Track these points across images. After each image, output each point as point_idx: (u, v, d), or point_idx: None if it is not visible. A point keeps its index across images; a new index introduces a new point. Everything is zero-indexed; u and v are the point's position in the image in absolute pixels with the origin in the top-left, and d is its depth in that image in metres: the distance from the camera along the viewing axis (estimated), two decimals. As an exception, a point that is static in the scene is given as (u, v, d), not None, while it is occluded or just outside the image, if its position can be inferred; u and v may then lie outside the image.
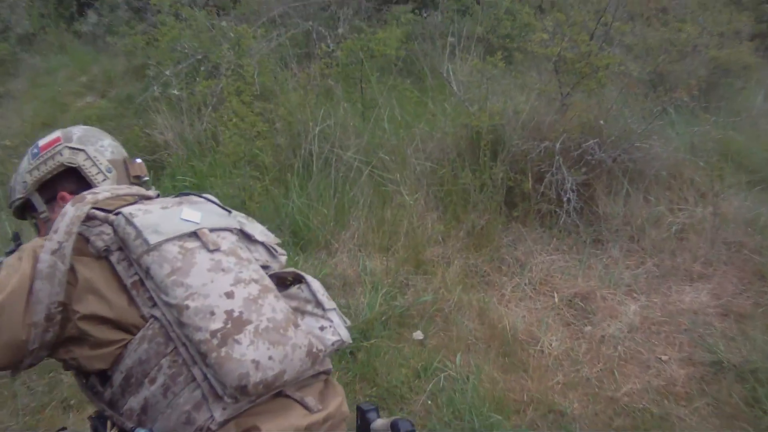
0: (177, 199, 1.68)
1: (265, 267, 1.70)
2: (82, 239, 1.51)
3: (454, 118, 5.07)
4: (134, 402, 1.45)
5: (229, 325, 1.43)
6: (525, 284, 4.09)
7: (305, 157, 4.81)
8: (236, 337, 1.42)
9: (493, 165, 4.50)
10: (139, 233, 1.47)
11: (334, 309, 1.69)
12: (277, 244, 1.84)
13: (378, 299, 3.71)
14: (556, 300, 3.98)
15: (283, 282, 1.74)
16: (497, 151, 4.64)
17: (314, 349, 1.55)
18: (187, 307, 1.42)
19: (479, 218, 4.39)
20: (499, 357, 3.52)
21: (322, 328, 1.64)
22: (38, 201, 1.76)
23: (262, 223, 4.12)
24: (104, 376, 1.50)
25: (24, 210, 1.84)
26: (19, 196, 1.78)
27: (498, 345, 3.60)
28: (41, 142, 1.79)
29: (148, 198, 1.70)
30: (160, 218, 1.54)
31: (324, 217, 4.39)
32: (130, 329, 1.47)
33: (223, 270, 1.52)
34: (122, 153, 1.85)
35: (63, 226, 1.47)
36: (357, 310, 3.70)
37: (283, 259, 1.83)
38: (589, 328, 3.79)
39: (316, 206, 4.44)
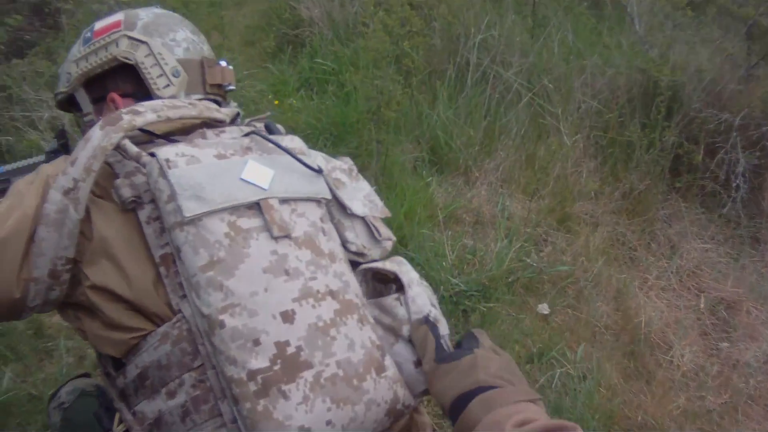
0: (245, 140, 1.25)
1: (359, 254, 1.34)
2: (110, 175, 1.16)
3: (630, 58, 4.51)
4: (147, 408, 1.11)
5: (277, 367, 1.03)
6: (672, 272, 3.61)
7: (461, 66, 4.36)
8: (284, 387, 1.03)
9: (666, 125, 3.99)
10: (173, 194, 1.07)
11: (446, 336, 1.26)
12: (386, 220, 1.44)
13: (510, 253, 3.30)
14: (702, 304, 3.50)
15: (384, 280, 1.35)
16: (672, 111, 4.12)
17: (399, 406, 1.17)
18: (222, 324, 1.03)
19: (639, 181, 3.93)
20: (625, 357, 3.10)
21: (418, 364, 1.23)
22: (84, 99, 1.40)
23: (399, 133, 3.83)
24: (119, 362, 1.16)
25: (70, 105, 1.47)
26: (62, 89, 1.42)
27: (627, 341, 3.17)
28: (97, 25, 1.39)
29: (217, 124, 1.31)
30: (210, 173, 1.12)
31: (469, 139, 3.99)
32: (152, 318, 1.11)
33: (287, 273, 1.11)
34: (201, 51, 1.43)
35: (83, 159, 1.09)
36: (483, 259, 3.31)
37: (389, 244, 1.43)
38: (725, 345, 3.32)
39: (462, 125, 4.05)
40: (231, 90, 1.48)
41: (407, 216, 3.41)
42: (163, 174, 1.08)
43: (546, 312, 3.19)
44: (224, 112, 1.33)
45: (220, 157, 1.16)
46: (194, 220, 1.07)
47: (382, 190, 3.59)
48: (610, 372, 2.95)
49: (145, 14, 1.40)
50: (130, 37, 1.34)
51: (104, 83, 1.37)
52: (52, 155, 1.44)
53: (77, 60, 1.37)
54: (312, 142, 3.87)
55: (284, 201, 1.19)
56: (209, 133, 1.27)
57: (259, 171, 1.18)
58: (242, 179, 1.14)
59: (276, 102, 4.07)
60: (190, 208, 1.07)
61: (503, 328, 3.05)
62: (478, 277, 3.17)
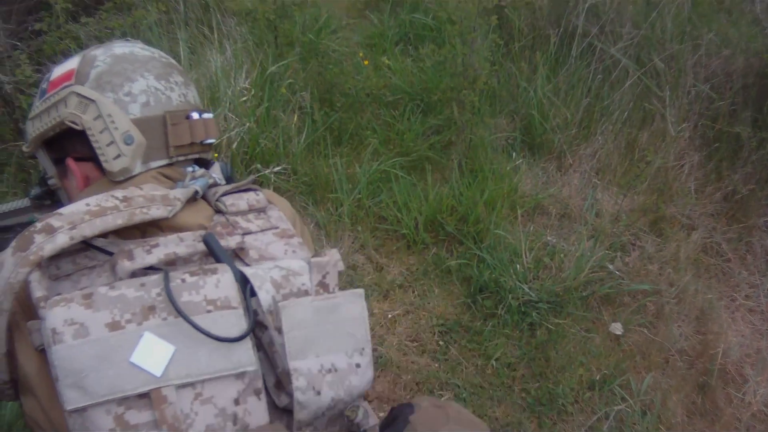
0: (152, 293, 0.98)
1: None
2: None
3: (749, 39, 4.11)
4: None
5: None
6: (763, 292, 3.32)
7: (566, 35, 4.08)
8: None
9: (782, 124, 3.66)
10: (56, 377, 0.93)
11: None
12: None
13: (591, 259, 3.08)
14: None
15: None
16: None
17: None
18: None
19: (743, 182, 3.64)
20: (695, 390, 2.87)
21: None
22: (45, 160, 1.23)
23: (492, 109, 3.64)
24: None
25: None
26: (24, 147, 1.26)
27: (700, 370, 2.94)
28: (54, 73, 1.20)
29: (160, 226, 1.09)
30: (97, 353, 0.94)
31: (565, 121, 3.78)
32: None
33: None
34: (166, 102, 1.16)
35: None
36: (561, 264, 3.12)
37: None
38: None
39: (560, 104, 3.82)
40: (210, 144, 1.22)
41: (487, 205, 3.29)
42: (49, 345, 0.94)
43: (619, 332, 3.00)
44: (173, 198, 1.09)
45: (113, 327, 0.96)
46: (78, 410, 0.94)
47: (464, 173, 3.47)
48: (674, 407, 2.77)
49: (103, 58, 1.17)
50: (78, 95, 1.13)
51: (62, 144, 1.20)
52: (36, 201, 1.36)
53: (33, 118, 1.21)
54: (399, 109, 3.74)
55: (185, 386, 0.98)
56: (138, 252, 1.03)
57: (155, 349, 0.97)
58: (132, 362, 0.95)
59: (366, 62, 3.93)
60: (72, 399, 0.93)
61: (569, 348, 2.90)
62: (552, 286, 3.01)
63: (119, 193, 1.05)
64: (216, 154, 3.23)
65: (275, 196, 1.28)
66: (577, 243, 3.23)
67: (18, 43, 3.54)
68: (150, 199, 1.06)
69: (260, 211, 1.20)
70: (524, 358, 2.86)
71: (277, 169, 3.37)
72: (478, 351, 2.90)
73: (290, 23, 3.98)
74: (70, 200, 1.18)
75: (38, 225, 0.98)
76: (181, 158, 1.18)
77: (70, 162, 1.17)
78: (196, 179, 1.17)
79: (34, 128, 1.20)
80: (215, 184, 1.21)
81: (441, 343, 2.93)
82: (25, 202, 1.42)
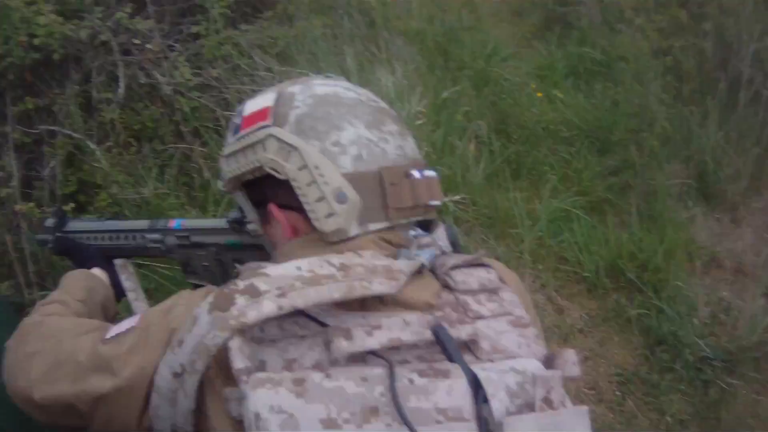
0: (375, 392, 0.86)
1: None
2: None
3: None
4: None
5: None
6: None
7: (733, 79, 4.05)
8: None
9: None
10: None
11: None
12: None
13: (765, 320, 3.01)
14: None
15: None
16: None
17: None
18: None
19: None
20: None
21: None
22: (244, 202, 1.13)
23: (667, 152, 3.59)
24: None
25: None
26: (220, 186, 1.15)
27: None
28: (247, 107, 1.08)
29: (386, 302, 0.95)
30: None
31: (737, 172, 3.75)
32: None
33: None
34: (381, 156, 1.00)
35: (188, 347, 0.89)
36: (736, 320, 3.07)
37: None
38: None
39: (730, 152, 3.78)
40: (434, 206, 1.06)
41: (666, 256, 3.27)
42: (251, 431, 0.83)
43: (788, 398, 2.98)
44: (397, 270, 0.95)
45: (328, 424, 0.84)
46: None
47: (642, 219, 3.46)
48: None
49: (303, 98, 1.03)
50: (279, 139, 1.00)
51: (263, 189, 1.08)
52: (235, 225, 1.32)
53: (227, 157, 1.10)
54: (576, 146, 3.74)
55: None
56: (358, 333, 0.91)
57: None
58: None
59: (539, 94, 3.93)
60: None
61: (740, 409, 2.84)
62: (726, 343, 2.98)
63: (335, 259, 0.93)
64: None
65: (506, 271, 1.13)
66: (752, 301, 3.20)
67: (174, 45, 3.56)
68: (371, 270, 0.93)
69: (493, 292, 1.05)
70: (697, 416, 2.84)
71: (456, 198, 3.40)
72: (654, 405, 2.89)
73: (459, 47, 3.99)
74: (275, 248, 1.12)
75: (240, 284, 0.88)
76: (403, 221, 1.03)
77: (274, 209, 1.06)
78: (423, 249, 1.03)
79: (230, 168, 1.09)
80: (441, 253, 1.08)
81: (618, 393, 2.93)
82: (223, 223, 1.39)
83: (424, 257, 1.00)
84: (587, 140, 3.72)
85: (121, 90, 3.24)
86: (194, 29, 3.58)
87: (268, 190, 1.06)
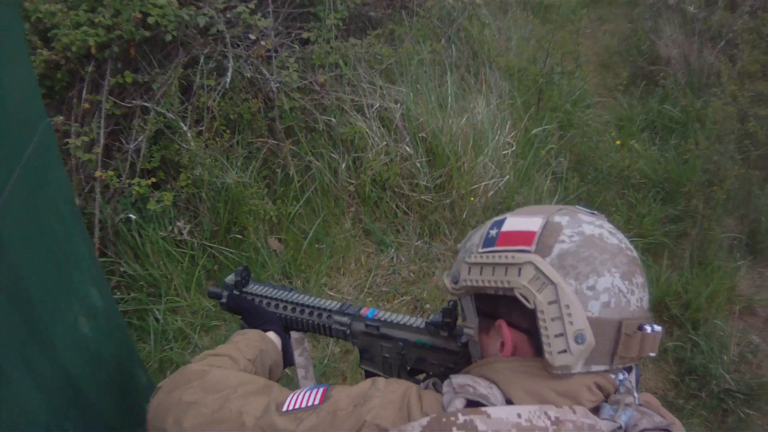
0: None
1: None
2: None
3: None
4: None
5: None
6: None
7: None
8: None
9: None
10: None
11: None
12: None
13: None
14: None
15: None
16: None
17: None
18: None
19: None
20: None
21: None
22: (470, 309, 1.14)
23: (726, 208, 3.88)
24: None
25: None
26: (449, 285, 1.14)
27: None
28: (507, 225, 1.09)
29: None
30: None
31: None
32: None
33: None
34: (625, 307, 1.00)
35: None
36: (761, 362, 3.39)
37: None
38: None
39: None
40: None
41: (708, 299, 3.61)
42: None
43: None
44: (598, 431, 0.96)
45: None
46: None
47: (693, 264, 3.79)
48: None
49: (570, 233, 1.03)
50: (537, 269, 0.99)
51: (496, 303, 1.09)
52: (432, 327, 1.38)
53: (471, 265, 1.09)
54: (643, 192, 4.10)
55: None
56: None
57: None
58: None
59: (618, 142, 4.31)
60: None
61: None
62: (750, 380, 3.29)
63: (553, 412, 0.95)
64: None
65: None
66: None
67: (292, 44, 3.78)
68: (579, 428, 0.94)
69: None
70: (714, 439, 3.19)
71: (527, 226, 3.77)
72: None
73: (552, 89, 4.40)
74: (482, 356, 1.13)
75: (460, 417, 0.93)
76: (619, 366, 1.04)
77: (503, 326, 1.07)
78: (624, 408, 1.00)
79: (472, 277, 1.08)
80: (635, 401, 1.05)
81: None
82: (419, 323, 1.43)
83: (622, 420, 0.98)
84: (654, 189, 4.07)
85: (228, 80, 3.41)
86: (305, 35, 3.81)
87: (503, 307, 1.07)
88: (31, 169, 1.38)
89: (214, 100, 3.41)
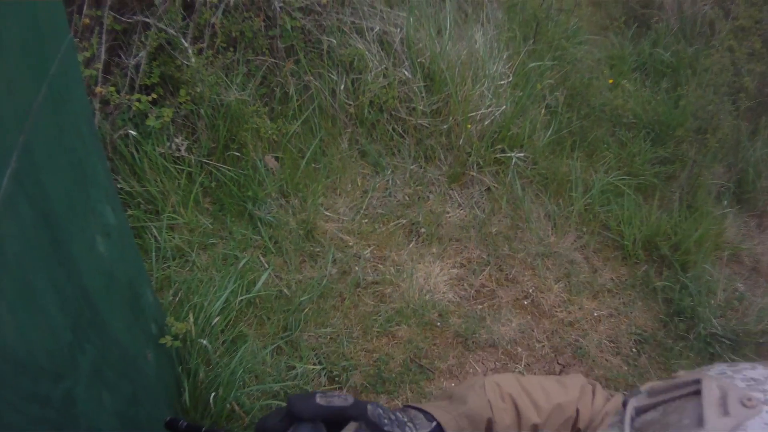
0: None
1: None
2: None
3: None
4: None
5: None
6: None
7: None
8: None
9: None
10: None
11: None
12: None
13: None
14: None
15: None
16: None
17: None
18: None
19: None
20: None
21: None
22: None
23: (715, 154, 3.94)
24: None
25: None
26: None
27: None
28: None
29: None
30: None
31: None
32: None
33: None
34: None
35: None
36: (747, 309, 3.43)
37: None
38: None
39: (772, 166, 4.15)
40: None
41: (697, 242, 3.66)
42: None
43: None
44: None
45: None
46: None
47: (682, 206, 3.83)
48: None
49: None
50: None
51: None
52: None
53: None
54: (633, 132, 4.11)
55: None
56: None
57: None
58: None
59: (610, 81, 4.29)
60: None
61: None
62: (735, 326, 3.32)
63: None
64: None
65: None
66: (762, 297, 3.59)
67: None
68: None
69: None
70: (699, 381, 3.23)
71: (520, 155, 3.76)
72: (665, 365, 3.24)
73: (548, 24, 4.34)
74: None
75: None
76: None
77: None
78: None
79: None
80: None
81: (634, 350, 3.28)
82: None
83: None
84: (644, 130, 4.08)
85: None
86: None
87: None
88: (56, 85, 1.34)
89: (216, 17, 3.30)
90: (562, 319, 3.31)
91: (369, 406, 0.93)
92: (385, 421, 0.92)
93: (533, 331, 3.24)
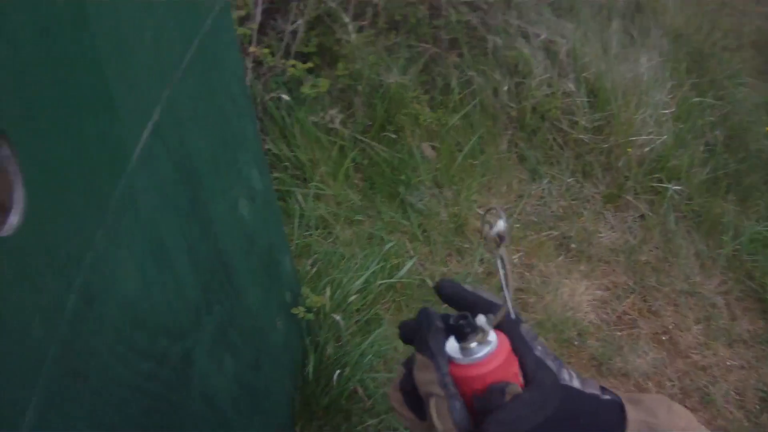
0: None
1: None
2: None
3: None
4: None
5: None
6: None
7: None
8: None
9: None
10: None
11: None
12: None
13: None
14: None
15: None
16: None
17: None
18: None
19: None
20: None
21: None
22: None
23: None
24: None
25: None
26: None
27: None
28: None
29: None
30: None
31: None
32: None
33: None
34: None
35: None
36: None
37: None
38: None
39: None
40: None
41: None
42: None
43: None
44: None
45: None
46: None
47: None
48: None
49: None
50: None
51: None
52: None
53: None
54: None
55: None
56: None
57: None
58: None
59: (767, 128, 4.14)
60: None
61: None
62: None
63: None
64: None
65: None
66: None
67: None
68: None
69: None
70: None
71: (677, 187, 3.62)
72: None
73: (711, 62, 4.21)
74: None
75: None
76: None
77: None
78: None
79: None
80: None
81: (758, 406, 3.12)
82: None
83: None
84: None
85: None
86: None
87: None
88: (208, 43, 1.36)
89: None
90: (696, 361, 3.19)
91: (524, 323, 0.74)
92: (538, 347, 0.72)
93: (666, 368, 3.13)
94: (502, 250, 0.74)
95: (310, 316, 2.26)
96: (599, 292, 3.24)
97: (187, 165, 1.26)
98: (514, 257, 3.18)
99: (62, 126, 0.83)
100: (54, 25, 0.78)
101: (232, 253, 1.51)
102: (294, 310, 2.18)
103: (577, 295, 3.17)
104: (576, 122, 3.56)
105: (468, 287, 0.77)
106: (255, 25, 3.00)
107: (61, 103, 0.82)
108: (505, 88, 3.56)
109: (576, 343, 3.03)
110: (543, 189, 3.46)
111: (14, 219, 0.74)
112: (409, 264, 2.95)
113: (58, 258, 0.83)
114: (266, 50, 3.01)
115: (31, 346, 0.78)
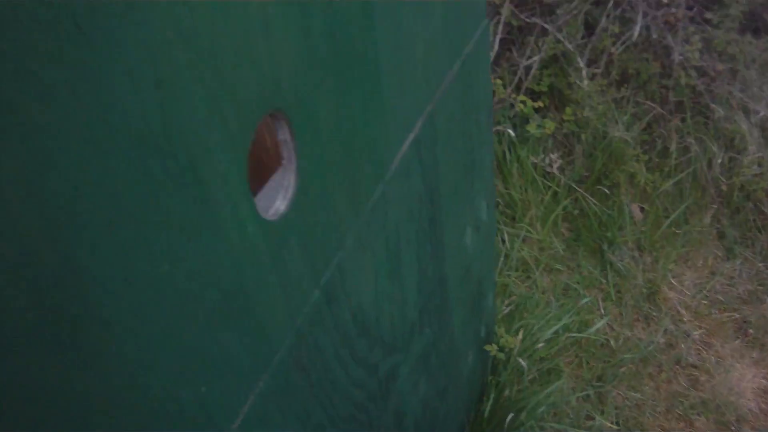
0: None
1: None
2: None
3: None
4: None
5: None
6: None
7: None
8: None
9: None
10: None
11: None
12: None
13: None
14: None
15: None
16: None
17: None
18: None
19: None
20: None
21: None
22: None
23: None
24: None
25: None
26: None
27: None
28: None
29: None
30: None
31: None
32: None
33: None
34: None
35: None
36: None
37: None
38: None
39: None
40: None
41: None
42: None
43: None
44: None
45: None
46: None
47: None
48: None
49: None
50: None
51: None
52: None
53: None
54: None
55: None
56: None
57: None
58: None
59: None
60: None
61: None
62: None
63: None
64: None
65: None
66: None
67: (698, 21, 3.57)
68: None
69: None
70: None
71: None
72: None
73: None
74: None
75: None
76: None
77: None
78: None
79: None
80: None
81: None
82: None
83: None
84: None
85: (635, 33, 3.36)
86: (709, 16, 3.60)
87: None
88: (468, 66, 1.35)
89: (616, 48, 3.33)
90: None
91: None
92: None
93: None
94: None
95: (501, 355, 2.41)
96: (764, 381, 3.41)
97: (433, 184, 1.27)
98: (695, 333, 3.36)
99: (337, 119, 0.84)
100: (342, 24, 0.81)
101: (450, 279, 1.53)
102: (487, 347, 2.25)
103: (745, 381, 3.36)
104: (779, 206, 3.65)
105: None
106: (492, 53, 3.11)
107: (339, 97, 0.83)
108: (719, 160, 3.64)
109: (732, 428, 3.23)
110: (735, 269, 3.59)
111: (281, 205, 0.76)
112: (600, 323, 3.18)
113: (312, 251, 0.84)
114: (499, 81, 3.13)
115: (272, 332, 0.80)
